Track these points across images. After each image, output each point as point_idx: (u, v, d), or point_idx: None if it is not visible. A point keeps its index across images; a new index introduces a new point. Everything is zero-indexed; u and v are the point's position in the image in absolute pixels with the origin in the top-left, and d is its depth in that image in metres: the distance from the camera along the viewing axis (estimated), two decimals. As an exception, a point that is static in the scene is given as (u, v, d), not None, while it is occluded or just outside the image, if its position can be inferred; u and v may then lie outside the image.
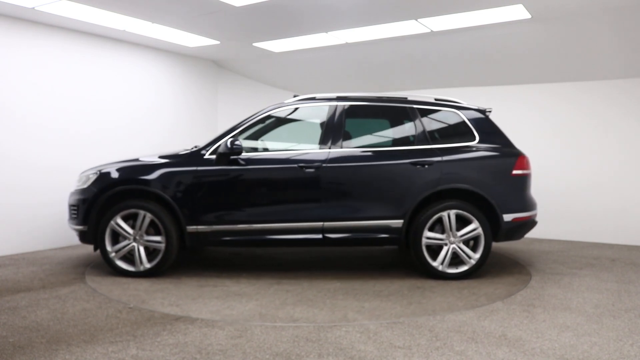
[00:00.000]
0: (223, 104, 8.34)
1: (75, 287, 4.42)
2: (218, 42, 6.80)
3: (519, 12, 5.22)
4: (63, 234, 6.23)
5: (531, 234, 5.64)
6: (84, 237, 4.86)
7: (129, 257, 4.80)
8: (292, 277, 4.84)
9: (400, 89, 7.86)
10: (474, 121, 4.91)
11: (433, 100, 5.02)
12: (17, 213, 5.78)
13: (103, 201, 4.77)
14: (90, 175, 4.93)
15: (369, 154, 4.87)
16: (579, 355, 2.96)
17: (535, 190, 5.06)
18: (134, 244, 4.75)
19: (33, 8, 5.37)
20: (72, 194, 5.03)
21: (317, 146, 4.86)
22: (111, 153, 6.68)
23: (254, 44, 6.87)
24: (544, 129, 7.07)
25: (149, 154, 5.33)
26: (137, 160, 5.01)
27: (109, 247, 4.75)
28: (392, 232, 4.70)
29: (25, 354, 2.96)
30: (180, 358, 2.90)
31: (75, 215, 4.89)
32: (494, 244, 5.62)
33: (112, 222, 4.73)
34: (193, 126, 7.81)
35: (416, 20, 5.60)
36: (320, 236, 4.72)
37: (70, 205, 4.99)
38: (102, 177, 4.84)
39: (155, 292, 4.29)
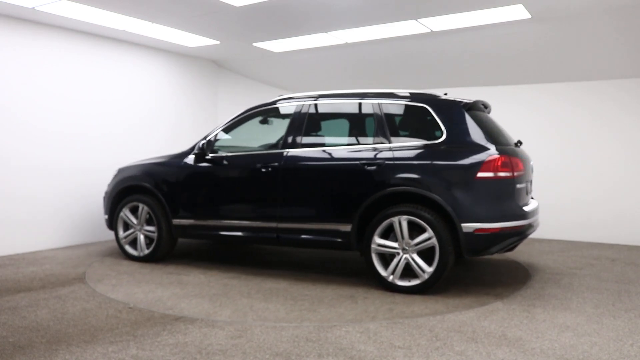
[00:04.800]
0: (223, 104, 8.34)
1: (75, 287, 4.42)
2: (218, 42, 6.80)
3: (519, 12, 5.22)
4: (63, 234, 6.24)
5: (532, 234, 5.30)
6: (107, 224, 5.68)
7: (135, 244, 5.51)
8: (255, 274, 4.94)
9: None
10: (444, 116, 4.33)
11: (406, 94, 4.58)
12: (17, 213, 5.78)
13: (115, 194, 5.55)
14: (114, 172, 5.78)
15: (323, 154, 4.67)
16: (579, 355, 2.96)
17: (535, 190, 5.02)
18: (137, 232, 5.45)
19: (33, 8, 5.37)
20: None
21: (280, 146, 4.86)
22: (112, 153, 6.70)
23: (254, 44, 6.87)
24: (544, 129, 7.07)
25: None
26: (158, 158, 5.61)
27: (120, 234, 5.54)
28: (341, 237, 4.45)
29: (25, 354, 2.96)
30: (180, 358, 2.90)
31: (103, 206, 5.78)
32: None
33: (122, 213, 5.49)
34: (194, 126, 7.80)
35: (416, 20, 5.60)
36: (274, 235, 4.76)
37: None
38: (117, 174, 5.66)
39: (122, 275, 4.89)
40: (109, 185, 5.71)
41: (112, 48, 6.73)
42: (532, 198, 4.95)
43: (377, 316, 3.65)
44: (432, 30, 5.93)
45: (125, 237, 5.51)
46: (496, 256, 5.79)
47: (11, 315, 3.63)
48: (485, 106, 4.84)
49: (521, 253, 5.98)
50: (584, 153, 6.86)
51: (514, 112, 7.09)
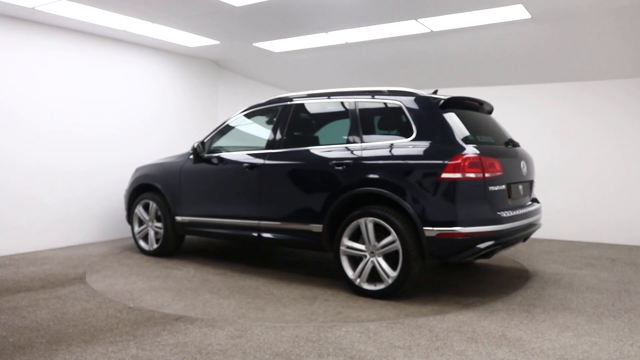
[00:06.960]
0: (223, 104, 8.34)
1: (75, 287, 4.42)
2: (218, 42, 6.80)
3: (519, 12, 5.22)
4: (63, 234, 6.24)
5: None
6: (127, 219, 6.04)
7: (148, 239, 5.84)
8: (243, 271, 5.05)
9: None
10: (416, 114, 4.12)
11: (383, 91, 4.42)
12: (17, 213, 5.78)
13: (132, 192, 5.92)
14: (133, 171, 6.18)
15: (298, 153, 4.65)
16: (579, 355, 2.96)
17: (536, 190, 5.00)
18: (148, 228, 5.76)
19: (33, 8, 5.37)
20: None
21: (264, 146, 4.91)
22: (111, 154, 6.70)
23: (254, 44, 6.87)
24: (544, 129, 7.07)
25: None
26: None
27: (135, 229, 5.89)
28: (313, 237, 4.42)
29: (25, 354, 2.96)
30: (180, 358, 2.90)
31: (124, 202, 6.16)
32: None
33: (136, 210, 5.84)
34: (194, 126, 7.81)
35: (416, 20, 5.60)
36: (256, 234, 4.83)
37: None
38: (134, 173, 6.01)
39: (123, 267, 5.19)
40: (128, 183, 6.07)
41: (112, 48, 6.73)
42: (533, 200, 4.85)
43: (317, 319, 3.61)
44: (432, 30, 5.93)
45: (139, 232, 5.86)
46: (495, 257, 5.78)
47: (11, 315, 3.64)
48: (481, 103, 4.67)
49: (521, 253, 5.98)
50: (584, 153, 6.85)
51: (514, 112, 7.08)
